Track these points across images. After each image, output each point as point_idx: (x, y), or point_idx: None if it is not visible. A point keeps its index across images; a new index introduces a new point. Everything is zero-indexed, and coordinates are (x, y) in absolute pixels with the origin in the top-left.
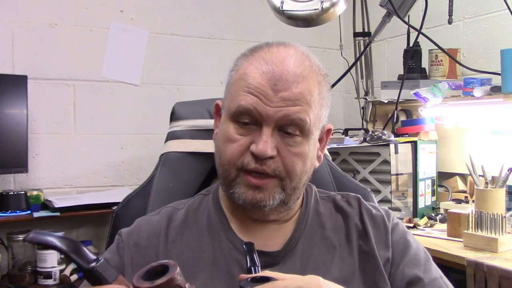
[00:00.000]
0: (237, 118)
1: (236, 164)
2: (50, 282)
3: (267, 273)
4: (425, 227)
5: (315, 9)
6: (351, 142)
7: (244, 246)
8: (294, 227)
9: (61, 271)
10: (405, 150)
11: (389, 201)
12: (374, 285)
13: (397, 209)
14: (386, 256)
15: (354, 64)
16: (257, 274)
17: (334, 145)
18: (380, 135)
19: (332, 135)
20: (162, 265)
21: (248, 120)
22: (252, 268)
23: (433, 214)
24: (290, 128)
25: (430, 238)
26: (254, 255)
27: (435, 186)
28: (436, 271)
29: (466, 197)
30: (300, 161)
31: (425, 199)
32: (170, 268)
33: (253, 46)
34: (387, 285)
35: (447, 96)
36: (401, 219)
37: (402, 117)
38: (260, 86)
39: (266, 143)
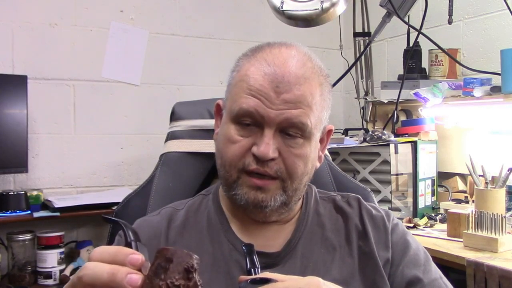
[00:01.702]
0: (238, 120)
1: (237, 166)
2: (50, 282)
3: (267, 274)
4: (425, 227)
5: (315, 9)
6: (351, 142)
7: (243, 248)
8: (294, 228)
9: (61, 271)
10: (405, 150)
11: (389, 201)
12: (374, 285)
13: (397, 209)
14: (385, 257)
15: (354, 64)
16: (257, 276)
17: (334, 145)
18: (380, 135)
19: (332, 135)
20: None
21: (250, 121)
22: (252, 269)
23: (433, 214)
24: (291, 130)
25: (430, 238)
26: (254, 257)
27: (435, 186)
28: (436, 272)
29: (466, 197)
30: (302, 162)
31: (425, 199)
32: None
33: (255, 46)
34: (386, 286)
35: (447, 96)
36: (401, 219)
37: (402, 117)
38: (262, 88)
39: (268, 145)
